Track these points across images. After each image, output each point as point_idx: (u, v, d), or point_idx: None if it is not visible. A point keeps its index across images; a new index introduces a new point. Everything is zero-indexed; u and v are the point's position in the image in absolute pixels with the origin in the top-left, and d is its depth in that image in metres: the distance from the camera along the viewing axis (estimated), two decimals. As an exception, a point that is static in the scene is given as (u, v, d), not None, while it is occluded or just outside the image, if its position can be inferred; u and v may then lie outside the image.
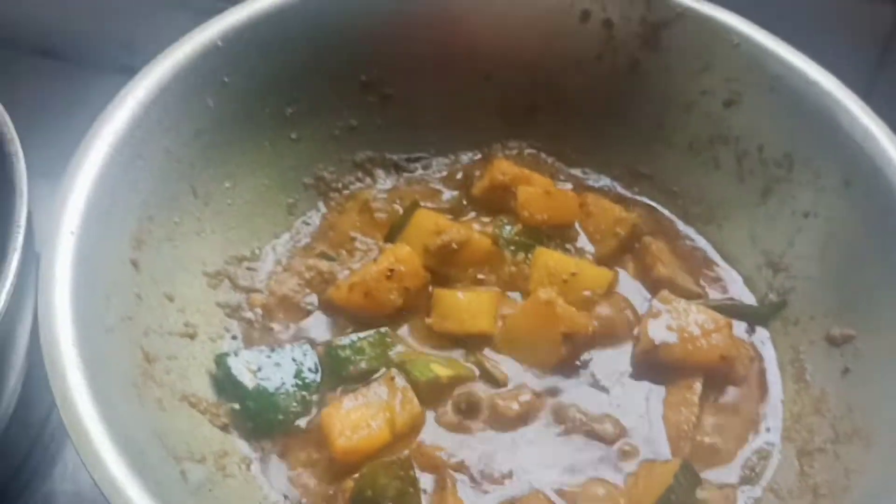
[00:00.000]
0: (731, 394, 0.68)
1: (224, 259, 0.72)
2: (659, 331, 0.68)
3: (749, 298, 0.74)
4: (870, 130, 0.67)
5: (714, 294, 0.74)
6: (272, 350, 0.68)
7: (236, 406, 0.66)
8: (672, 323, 0.68)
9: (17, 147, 0.65)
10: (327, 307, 0.71)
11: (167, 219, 0.68)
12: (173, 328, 0.66)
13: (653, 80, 0.77)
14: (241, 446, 0.65)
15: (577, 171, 0.81)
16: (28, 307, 0.63)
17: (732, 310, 0.71)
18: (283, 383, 0.67)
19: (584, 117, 0.79)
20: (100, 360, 0.57)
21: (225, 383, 0.66)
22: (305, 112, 0.76)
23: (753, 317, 0.72)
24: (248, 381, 0.66)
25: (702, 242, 0.77)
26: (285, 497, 0.63)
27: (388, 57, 0.77)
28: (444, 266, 0.72)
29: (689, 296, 0.71)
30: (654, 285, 0.73)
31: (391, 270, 0.70)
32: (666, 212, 0.79)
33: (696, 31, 0.74)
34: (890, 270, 0.64)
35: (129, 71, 0.68)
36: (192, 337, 0.67)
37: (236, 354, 0.67)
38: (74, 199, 0.61)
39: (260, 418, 0.65)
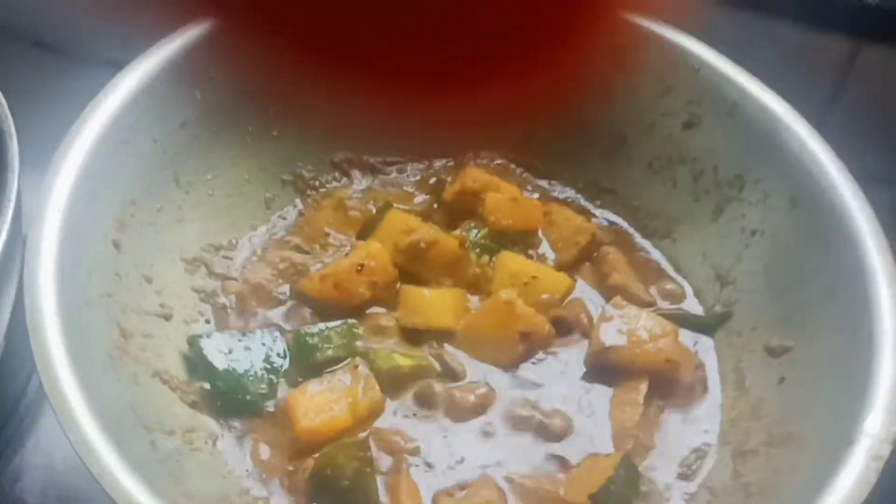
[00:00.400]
0: (673, 396, 0.71)
1: (202, 246, 0.76)
2: (610, 334, 0.71)
3: (697, 309, 0.78)
4: (817, 155, 0.71)
5: (664, 303, 0.78)
6: (243, 335, 0.71)
7: (206, 385, 0.69)
8: (623, 327, 0.71)
9: (10, 125, 0.68)
10: (298, 297, 0.74)
11: (149, 204, 0.71)
12: (150, 308, 0.69)
13: (619, 99, 0.80)
14: (209, 423, 0.68)
15: (543, 182, 0.84)
16: (11, 284, 0.66)
17: (680, 318, 0.75)
18: (252, 366, 0.70)
19: (553, 131, 0.83)
20: (80, 331, 0.60)
21: (196, 363, 0.69)
22: (288, 111, 0.79)
23: (700, 326, 0.76)
24: (219, 362, 0.69)
25: (657, 255, 0.81)
26: (248, 472, 0.66)
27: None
28: (413, 264, 0.75)
29: (641, 303, 0.75)
30: (608, 292, 0.76)
31: (361, 265, 0.73)
32: (625, 224, 0.82)
33: (660, 54, 0.78)
34: (827, 286, 0.68)
35: (121, 66, 0.71)
36: (167, 318, 0.70)
37: (209, 337, 0.70)
38: (63, 179, 0.65)
39: (228, 398, 0.68)
